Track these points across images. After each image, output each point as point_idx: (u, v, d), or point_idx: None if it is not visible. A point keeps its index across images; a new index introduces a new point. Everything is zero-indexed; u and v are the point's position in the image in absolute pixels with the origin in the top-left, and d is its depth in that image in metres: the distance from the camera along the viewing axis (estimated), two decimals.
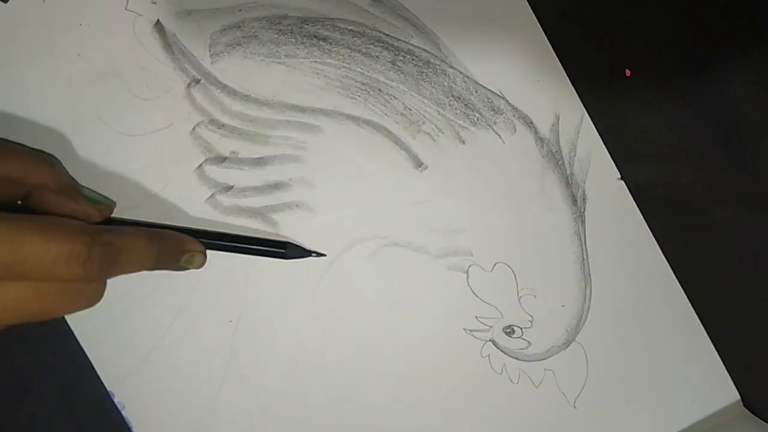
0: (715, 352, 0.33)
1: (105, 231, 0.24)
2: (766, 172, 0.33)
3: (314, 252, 0.31)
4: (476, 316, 0.32)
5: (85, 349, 0.30)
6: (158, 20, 0.30)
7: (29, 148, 0.27)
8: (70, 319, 0.30)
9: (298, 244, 0.31)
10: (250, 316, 0.31)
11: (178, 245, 0.27)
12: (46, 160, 0.26)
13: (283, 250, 0.30)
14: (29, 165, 0.25)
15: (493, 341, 0.32)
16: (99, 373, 0.30)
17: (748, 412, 0.33)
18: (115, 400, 0.30)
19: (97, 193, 0.28)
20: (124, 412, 0.30)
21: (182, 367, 0.31)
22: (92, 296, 0.25)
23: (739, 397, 0.33)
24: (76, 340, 0.30)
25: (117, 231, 0.25)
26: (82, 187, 0.28)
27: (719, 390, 0.33)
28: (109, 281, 0.29)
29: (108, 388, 0.30)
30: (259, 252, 0.30)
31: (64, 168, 0.27)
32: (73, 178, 0.28)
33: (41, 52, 0.29)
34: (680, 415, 0.33)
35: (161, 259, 0.26)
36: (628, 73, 0.31)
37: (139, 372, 0.30)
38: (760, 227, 0.33)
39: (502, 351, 0.32)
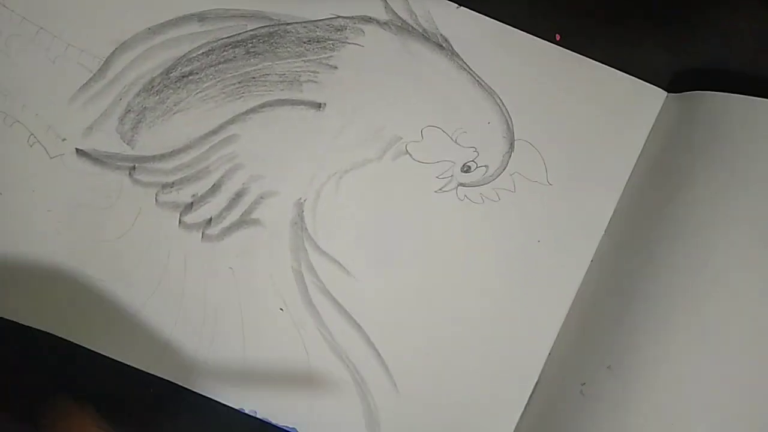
0: None
1: None
2: None
3: None
4: (436, 177, 0.38)
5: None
6: (76, 149, 0.37)
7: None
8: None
9: None
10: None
11: None
12: None
13: None
14: None
15: (461, 184, 0.38)
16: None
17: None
18: None
19: None
20: None
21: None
22: None
23: None
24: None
25: None
26: None
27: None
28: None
29: None
30: None
31: None
32: None
33: None
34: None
35: None
36: (558, 37, 0.36)
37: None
38: None
39: (472, 186, 0.38)
